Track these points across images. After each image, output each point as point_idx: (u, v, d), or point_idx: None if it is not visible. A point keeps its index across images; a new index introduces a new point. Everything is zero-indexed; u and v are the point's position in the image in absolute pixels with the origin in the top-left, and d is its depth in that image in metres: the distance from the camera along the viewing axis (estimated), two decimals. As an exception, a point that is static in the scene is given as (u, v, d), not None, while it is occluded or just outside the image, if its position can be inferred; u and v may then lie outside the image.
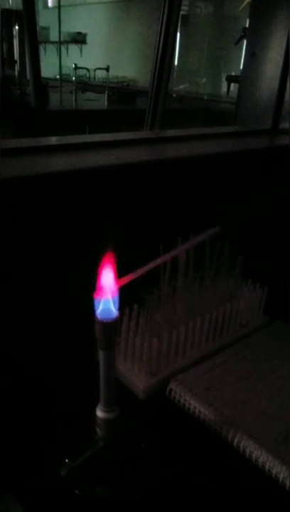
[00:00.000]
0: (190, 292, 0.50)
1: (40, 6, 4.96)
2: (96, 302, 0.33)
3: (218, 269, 0.53)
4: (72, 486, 0.36)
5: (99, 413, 0.37)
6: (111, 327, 0.33)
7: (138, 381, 0.46)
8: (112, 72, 4.04)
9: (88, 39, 4.87)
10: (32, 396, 0.45)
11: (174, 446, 0.41)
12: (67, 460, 0.37)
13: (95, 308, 0.33)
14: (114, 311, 0.33)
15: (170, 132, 1.10)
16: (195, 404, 0.44)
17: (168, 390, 0.46)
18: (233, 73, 3.18)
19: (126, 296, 0.35)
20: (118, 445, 0.38)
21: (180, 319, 0.49)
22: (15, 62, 3.20)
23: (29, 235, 0.50)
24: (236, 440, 0.40)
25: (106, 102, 3.11)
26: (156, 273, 0.48)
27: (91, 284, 0.33)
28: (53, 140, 0.68)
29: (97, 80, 4.33)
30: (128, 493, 0.37)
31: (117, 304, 0.33)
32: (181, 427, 0.44)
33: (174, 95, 3.30)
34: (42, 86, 2.53)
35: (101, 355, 0.34)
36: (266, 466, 0.38)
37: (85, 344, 0.46)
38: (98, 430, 0.37)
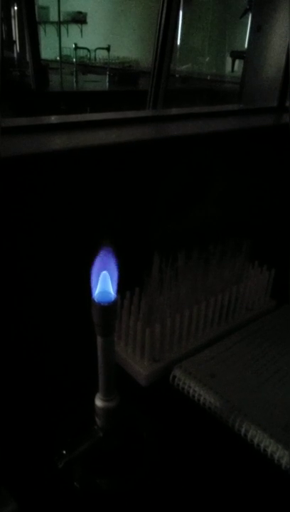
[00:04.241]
0: (194, 274, 0.47)
1: (39, -16, 4.82)
2: (93, 284, 0.30)
3: (223, 250, 0.50)
4: (71, 478, 0.34)
5: (98, 402, 0.34)
6: (109, 311, 0.31)
7: (141, 368, 0.44)
8: (114, 53, 3.94)
9: (88, 19, 4.75)
10: (26, 384, 0.43)
11: (177, 436, 0.39)
12: (64, 451, 0.35)
13: (92, 290, 0.31)
14: (112, 293, 0.31)
15: (174, 111, 1.06)
16: (199, 392, 0.41)
17: (171, 376, 0.44)
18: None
19: (126, 278, 0.33)
20: (118, 435, 0.36)
21: (183, 303, 0.47)
22: (14, 42, 3.13)
23: (29, 214, 0.47)
24: (243, 429, 0.38)
25: (107, 84, 3.04)
26: (159, 254, 0.46)
27: (90, 265, 0.31)
28: (54, 119, 0.67)
29: (98, 61, 4.23)
30: (129, 485, 0.35)
31: (116, 286, 0.31)
32: (185, 415, 0.42)
33: (177, 75, 3.22)
34: (42, 67, 2.47)
35: (99, 341, 0.32)
36: (276, 456, 0.36)
37: (84, 329, 0.44)
38: (97, 420, 0.35)
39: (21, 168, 0.46)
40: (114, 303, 0.31)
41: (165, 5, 1.33)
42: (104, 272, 0.30)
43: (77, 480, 0.34)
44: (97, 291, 0.31)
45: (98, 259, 0.30)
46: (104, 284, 0.30)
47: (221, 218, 0.48)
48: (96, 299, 0.30)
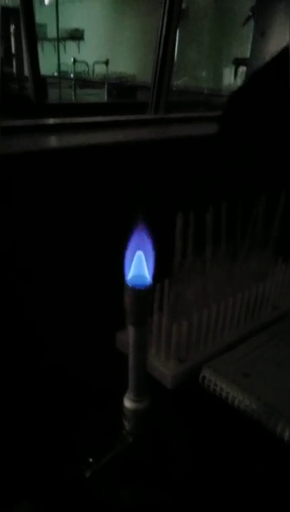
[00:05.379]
0: (221, 268, 0.44)
1: (36, 3, 4.91)
2: (126, 267, 0.27)
3: (250, 244, 0.47)
4: (97, 488, 0.30)
5: (127, 403, 0.31)
6: (144, 297, 0.27)
7: (166, 369, 0.41)
8: (111, 69, 3.99)
9: (85, 35, 4.83)
10: (48, 388, 0.39)
11: (211, 442, 0.35)
12: (90, 459, 0.31)
13: (125, 274, 0.27)
14: (147, 277, 0.27)
15: (175, 115, 1.06)
16: (233, 393, 0.38)
17: (200, 377, 0.40)
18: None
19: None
20: (149, 441, 0.32)
21: (210, 298, 0.43)
22: (13, 56, 3.15)
23: (40, 210, 0.45)
24: (286, 433, 0.34)
25: (106, 97, 3.07)
26: (182, 247, 0.43)
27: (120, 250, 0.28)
28: (60, 120, 0.70)
29: (95, 76, 4.28)
30: (160, 496, 0.31)
31: (152, 270, 0.28)
32: (218, 419, 0.38)
33: (174, 89, 3.25)
34: (41, 80, 2.48)
35: (131, 331, 0.28)
36: None
37: (111, 323, 0.41)
38: (126, 423, 0.31)
39: (54, 160, 0.51)
40: (150, 288, 0.27)
41: (165, 17, 1.34)
42: (139, 253, 0.27)
43: (104, 490, 0.30)
44: (130, 275, 0.27)
45: (132, 239, 0.27)
46: (139, 266, 0.27)
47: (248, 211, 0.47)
48: (129, 284, 0.27)
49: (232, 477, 0.33)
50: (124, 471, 0.32)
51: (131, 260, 0.27)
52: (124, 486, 0.31)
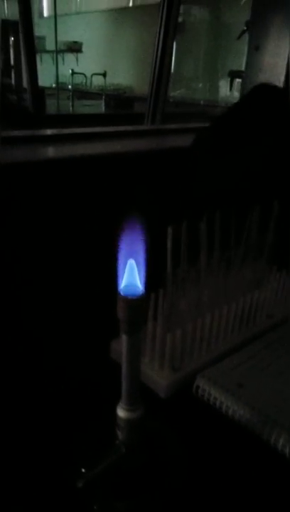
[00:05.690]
0: (215, 277, 0.45)
1: (35, 16, 4.98)
2: (119, 276, 0.27)
3: (245, 252, 0.47)
4: (90, 500, 0.30)
5: (121, 412, 0.31)
6: (137, 306, 0.28)
7: (160, 378, 0.41)
8: (108, 80, 4.03)
9: (84, 48, 4.89)
10: (43, 396, 0.39)
11: (206, 452, 0.35)
12: (83, 470, 0.31)
13: (118, 283, 0.27)
14: (140, 287, 0.28)
15: (172, 126, 1.08)
16: (227, 403, 0.38)
17: (194, 386, 0.40)
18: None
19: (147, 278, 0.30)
20: (142, 451, 0.32)
21: (205, 307, 0.44)
22: (12, 68, 3.19)
23: (35, 217, 0.46)
24: (280, 443, 0.34)
25: (103, 108, 3.10)
26: (176, 255, 0.43)
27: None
28: (59, 131, 0.71)
29: (93, 87, 4.33)
30: (155, 507, 0.31)
31: (144, 280, 0.28)
32: (211, 429, 0.38)
33: (171, 100, 3.29)
34: (39, 92, 2.51)
35: (124, 340, 0.29)
36: (318, 473, 0.32)
37: (105, 332, 0.41)
38: (119, 433, 0.31)
39: (53, 169, 0.53)
40: (142, 297, 0.28)
41: (162, 30, 1.36)
42: (131, 262, 0.27)
43: (97, 501, 0.30)
44: (123, 285, 0.28)
45: (125, 248, 0.28)
46: (131, 275, 0.28)
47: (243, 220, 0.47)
48: (122, 293, 0.27)
49: (226, 487, 0.33)
50: (117, 482, 0.31)
51: (124, 269, 0.28)
52: (118, 497, 0.31)
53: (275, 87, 0.82)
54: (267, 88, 0.75)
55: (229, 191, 0.53)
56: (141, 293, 0.27)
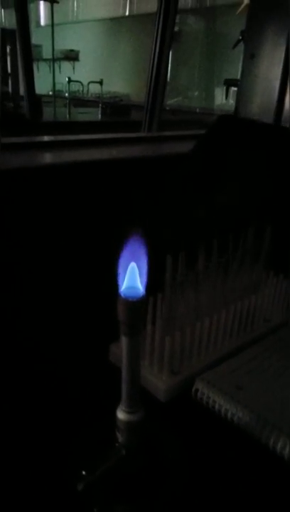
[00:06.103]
0: (213, 281, 0.45)
1: (32, 25, 5.02)
2: (120, 278, 0.28)
3: (243, 255, 0.48)
4: (90, 503, 0.30)
5: (121, 415, 0.31)
6: (137, 308, 0.28)
7: (159, 381, 0.41)
8: (105, 88, 4.06)
9: (81, 56, 4.93)
10: (42, 399, 0.39)
11: (205, 455, 0.35)
12: (83, 472, 0.31)
13: (119, 285, 0.28)
14: (140, 289, 0.28)
15: (168, 133, 1.09)
16: (226, 406, 0.38)
17: (193, 390, 0.40)
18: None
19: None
20: (142, 454, 0.32)
21: (203, 311, 0.44)
22: (9, 75, 3.21)
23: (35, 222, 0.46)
24: (279, 446, 0.34)
25: (100, 115, 3.12)
26: (175, 258, 0.44)
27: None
28: (57, 138, 0.72)
29: (90, 95, 4.36)
30: (155, 510, 0.31)
31: (145, 282, 0.28)
32: (211, 432, 0.38)
33: (167, 108, 3.32)
34: (36, 99, 2.52)
35: (124, 342, 0.29)
36: (317, 475, 0.32)
37: (105, 336, 0.41)
38: (119, 436, 0.31)
39: (52, 175, 0.53)
40: (142, 299, 0.28)
41: (158, 38, 1.37)
42: (133, 264, 0.28)
43: (97, 504, 0.30)
44: (123, 287, 0.28)
45: (126, 251, 0.28)
46: (132, 278, 0.28)
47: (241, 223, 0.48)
48: (123, 295, 0.28)
49: (226, 490, 0.33)
50: (117, 485, 0.31)
51: (125, 272, 0.28)
52: (117, 499, 0.31)
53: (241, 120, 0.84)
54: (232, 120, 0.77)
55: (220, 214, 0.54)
56: (141, 295, 0.28)
